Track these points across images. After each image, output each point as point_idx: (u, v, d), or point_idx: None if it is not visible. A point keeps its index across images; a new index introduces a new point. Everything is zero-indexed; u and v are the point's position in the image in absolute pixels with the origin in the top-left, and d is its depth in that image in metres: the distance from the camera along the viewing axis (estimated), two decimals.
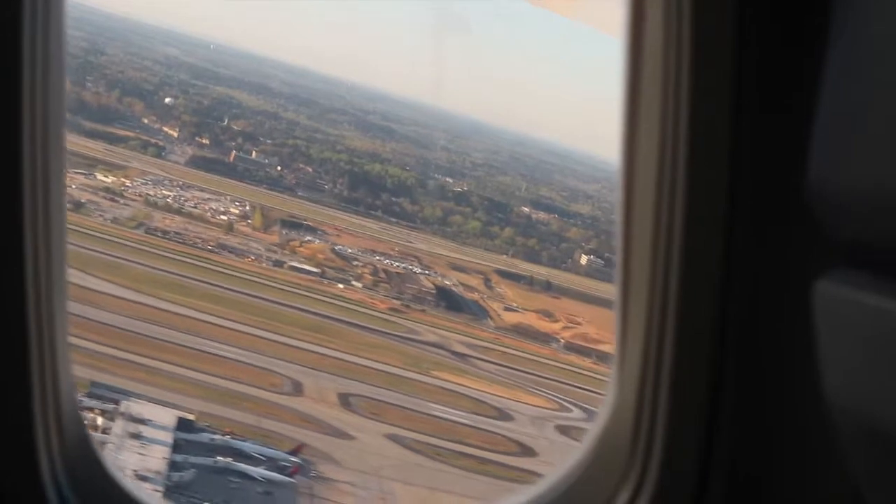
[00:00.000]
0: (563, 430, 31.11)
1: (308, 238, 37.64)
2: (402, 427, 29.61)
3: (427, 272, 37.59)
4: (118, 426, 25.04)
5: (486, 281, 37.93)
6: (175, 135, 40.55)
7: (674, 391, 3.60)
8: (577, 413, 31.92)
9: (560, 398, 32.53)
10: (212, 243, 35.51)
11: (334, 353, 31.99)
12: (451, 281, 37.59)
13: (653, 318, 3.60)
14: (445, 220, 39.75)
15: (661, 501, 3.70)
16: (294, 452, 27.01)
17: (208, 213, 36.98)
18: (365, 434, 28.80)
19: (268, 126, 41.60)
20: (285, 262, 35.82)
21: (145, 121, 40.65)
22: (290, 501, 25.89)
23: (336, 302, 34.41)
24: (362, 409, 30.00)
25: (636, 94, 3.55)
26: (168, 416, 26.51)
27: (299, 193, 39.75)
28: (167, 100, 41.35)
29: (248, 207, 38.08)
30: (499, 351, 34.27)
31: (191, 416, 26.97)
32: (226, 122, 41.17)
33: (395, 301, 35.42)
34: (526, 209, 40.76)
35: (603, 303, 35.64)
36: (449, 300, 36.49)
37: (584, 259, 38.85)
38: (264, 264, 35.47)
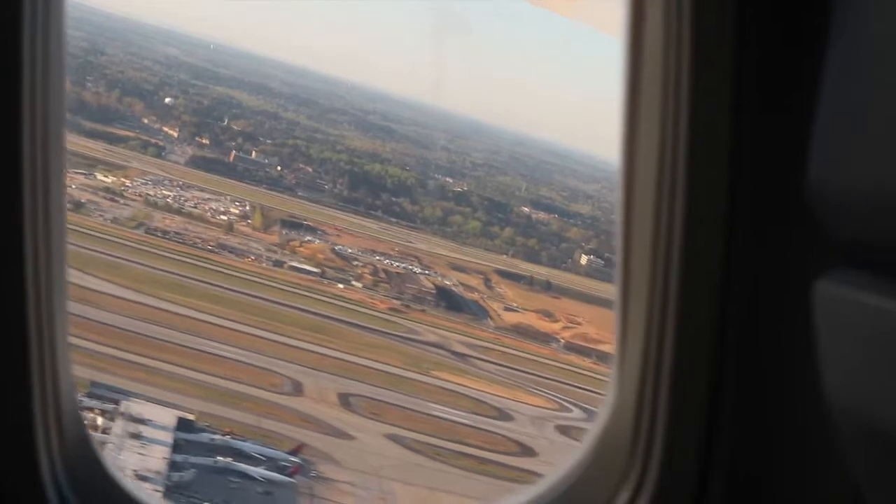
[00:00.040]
0: (563, 430, 31.10)
1: (308, 238, 37.64)
2: (402, 427, 29.60)
3: (427, 272, 37.59)
4: (118, 426, 25.04)
5: (486, 281, 37.92)
6: (175, 135, 40.54)
7: (674, 391, 3.60)
8: (576, 413, 31.91)
9: (560, 398, 32.52)
10: (212, 243, 35.51)
11: (334, 353, 31.98)
12: (451, 281, 37.59)
13: (653, 318, 3.59)
14: (445, 220, 39.74)
15: (662, 501, 3.69)
16: (294, 452, 27.01)
17: (208, 213, 36.97)
18: (365, 434, 28.79)
19: (268, 126, 41.60)
20: (285, 262, 35.81)
21: (145, 121, 40.65)
22: (290, 501, 25.89)
23: (336, 302, 34.41)
24: (362, 409, 30.00)
25: (636, 94, 3.55)
26: (168, 416, 26.51)
27: (299, 193, 39.74)
28: (167, 100, 41.35)
29: (248, 207, 38.07)
30: (499, 351, 34.26)
31: (191, 416, 26.97)
32: (226, 122, 41.16)
33: (395, 301, 35.42)
34: (526, 209, 40.76)
35: (603, 303, 35.63)
36: (449, 300, 36.48)
37: (584, 259, 38.84)
38: (264, 264, 35.47)
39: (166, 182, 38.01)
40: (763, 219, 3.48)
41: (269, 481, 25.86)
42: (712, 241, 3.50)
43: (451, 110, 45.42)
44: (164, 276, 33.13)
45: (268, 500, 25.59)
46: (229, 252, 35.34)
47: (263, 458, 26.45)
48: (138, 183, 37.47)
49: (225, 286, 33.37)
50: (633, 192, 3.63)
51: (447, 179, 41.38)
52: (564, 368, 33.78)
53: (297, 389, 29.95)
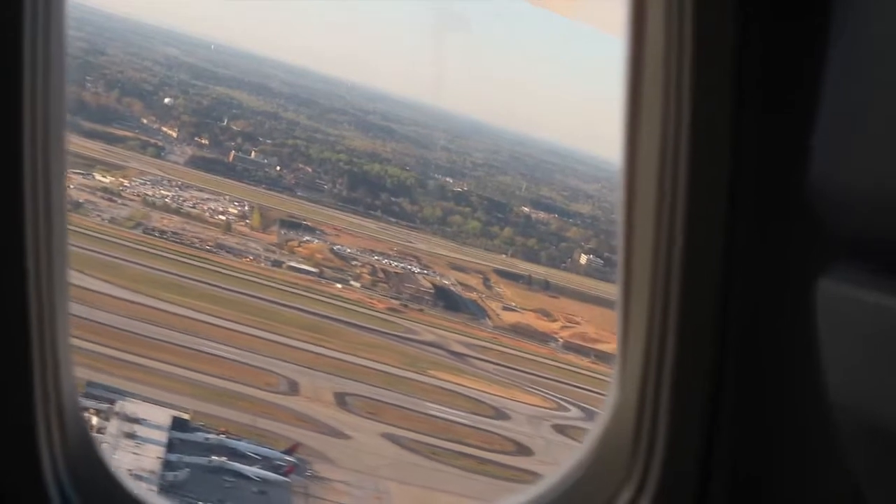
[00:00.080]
0: (560, 429, 31.10)
1: (307, 238, 37.66)
2: (399, 426, 29.61)
3: (426, 272, 37.59)
4: (113, 426, 25.06)
5: (485, 280, 37.93)
6: (174, 135, 40.60)
7: (675, 390, 3.60)
8: (574, 412, 31.91)
9: (558, 397, 32.51)
10: (210, 243, 35.53)
11: (331, 353, 32.01)
12: (449, 280, 37.59)
13: (654, 317, 3.60)
14: (445, 219, 39.75)
15: (663, 500, 3.69)
16: (289, 451, 27.03)
17: (206, 213, 37.00)
18: (361, 433, 28.80)
19: (267, 126, 41.64)
20: (283, 262, 35.83)
21: (144, 121, 40.69)
22: (284, 500, 25.88)
23: (334, 302, 34.43)
24: (359, 409, 30.01)
25: (637, 93, 3.56)
26: (163, 416, 26.53)
27: (298, 193, 39.78)
28: (166, 100, 41.41)
29: (246, 207, 38.08)
30: (497, 350, 34.27)
31: (186, 416, 26.98)
32: (225, 123, 41.21)
33: (393, 301, 35.43)
34: (526, 209, 40.75)
35: (602, 302, 35.64)
36: (447, 300, 36.49)
37: (583, 258, 38.83)
38: (262, 264, 35.48)
39: (165, 182, 38.04)
40: (764, 217, 3.47)
41: (264, 480, 25.88)
42: (713, 239, 3.51)
43: (451, 110, 45.46)
44: (162, 276, 33.18)
45: (262, 499, 25.59)
46: (227, 252, 35.36)
47: (258, 458, 26.47)
48: (137, 183, 37.51)
49: (223, 286, 33.42)
50: (635, 190, 3.63)
51: (447, 179, 41.40)
52: (562, 368, 33.77)
53: (294, 389, 29.98)
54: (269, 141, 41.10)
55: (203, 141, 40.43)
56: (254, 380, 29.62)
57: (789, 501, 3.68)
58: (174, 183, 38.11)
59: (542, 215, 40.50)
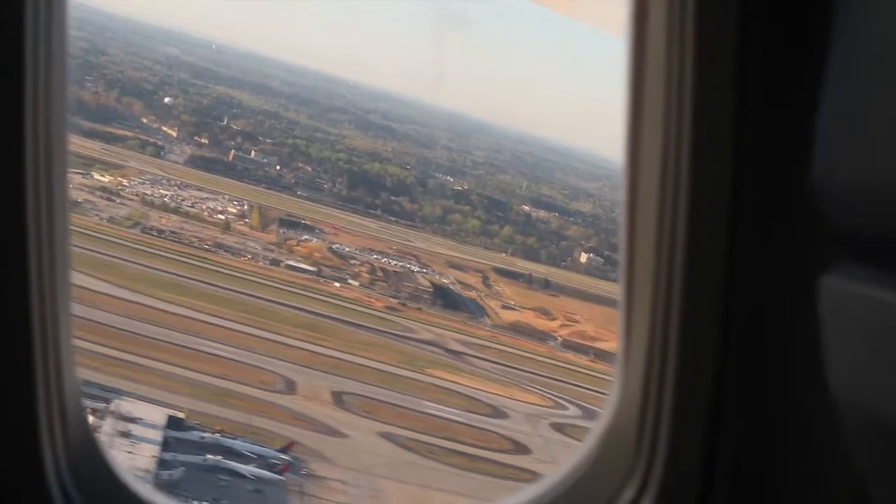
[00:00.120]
0: (558, 427, 31.09)
1: (305, 237, 37.69)
2: (396, 425, 29.59)
3: (425, 270, 37.61)
4: (108, 424, 25.08)
5: (485, 279, 37.94)
6: (174, 134, 40.66)
7: (678, 388, 3.60)
8: (572, 410, 31.91)
9: (556, 396, 32.49)
10: (209, 242, 35.57)
11: (329, 352, 32.01)
12: (448, 279, 37.60)
13: (657, 315, 3.60)
14: (445, 218, 39.77)
15: (666, 498, 3.69)
16: (284, 450, 27.04)
17: (205, 213, 37.03)
18: (357, 432, 28.79)
19: (267, 125, 41.69)
20: (282, 261, 35.86)
21: (144, 120, 40.77)
22: (279, 499, 25.90)
23: (332, 300, 34.44)
24: (355, 407, 30.01)
25: (639, 91, 3.57)
26: (159, 415, 26.56)
27: (298, 192, 39.82)
28: (166, 99, 41.48)
29: (245, 206, 38.12)
30: (495, 349, 34.27)
31: (181, 415, 27.01)
32: (225, 122, 41.27)
33: (391, 299, 35.45)
34: (526, 207, 40.77)
35: (601, 300, 35.66)
36: (446, 298, 36.51)
37: (583, 257, 38.83)
38: (261, 263, 35.51)
39: (164, 181, 38.09)
40: (767, 215, 3.49)
41: (259, 479, 25.89)
42: (716, 237, 3.51)
43: (452, 109, 45.49)
44: (160, 275, 33.23)
45: (257, 498, 25.61)
46: (226, 251, 35.40)
47: (254, 456, 26.48)
48: (136, 182, 37.55)
49: (221, 285, 33.45)
50: (637, 189, 3.64)
51: (447, 178, 41.42)
52: (561, 366, 33.76)
53: (290, 388, 29.99)
54: (268, 140, 41.15)
55: (203, 140, 40.50)
56: (250, 379, 29.64)
57: (793, 499, 3.68)
58: (173, 182, 38.16)
59: (542, 214, 40.53)
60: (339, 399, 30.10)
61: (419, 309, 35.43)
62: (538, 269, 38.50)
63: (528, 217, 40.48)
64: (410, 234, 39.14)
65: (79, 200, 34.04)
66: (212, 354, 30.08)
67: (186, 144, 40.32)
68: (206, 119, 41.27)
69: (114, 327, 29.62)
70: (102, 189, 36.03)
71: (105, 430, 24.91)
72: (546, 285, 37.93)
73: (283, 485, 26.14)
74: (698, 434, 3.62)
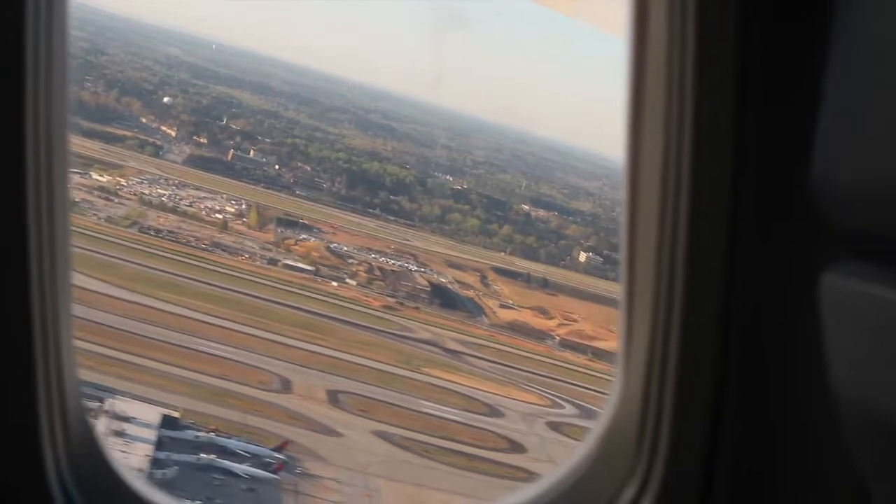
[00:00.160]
0: (555, 426, 31.06)
1: (303, 236, 37.70)
2: (391, 424, 29.58)
3: (423, 270, 37.61)
4: (102, 424, 25.08)
5: (483, 278, 37.93)
6: (173, 134, 40.71)
7: (679, 387, 3.60)
8: (569, 409, 31.89)
9: (552, 395, 32.48)
10: (206, 242, 35.60)
11: (325, 351, 32.02)
12: (446, 278, 37.59)
13: (658, 315, 3.60)
14: (444, 217, 39.78)
15: (667, 497, 3.69)
16: (279, 449, 27.04)
17: (203, 212, 37.05)
18: (353, 431, 28.78)
19: (267, 125, 41.72)
20: (279, 261, 35.87)
21: (143, 120, 40.81)
22: (274, 498, 25.90)
23: (329, 300, 34.45)
24: (351, 406, 29.99)
25: (640, 92, 3.57)
26: (154, 414, 26.56)
27: (297, 192, 39.84)
28: (165, 99, 41.53)
29: (244, 206, 38.14)
30: (493, 348, 34.26)
31: (175, 414, 27.02)
32: (224, 122, 41.31)
33: (389, 298, 35.45)
34: (525, 207, 40.76)
35: (600, 300, 35.64)
36: (444, 297, 36.50)
37: (582, 256, 38.82)
38: (258, 262, 35.53)
39: (162, 181, 38.13)
40: (767, 214, 3.49)
41: (253, 478, 25.89)
42: (716, 236, 3.52)
43: (452, 108, 45.54)
44: (158, 274, 33.24)
45: (251, 497, 25.60)
46: (223, 251, 35.43)
47: (248, 455, 26.48)
48: (134, 182, 37.59)
49: (218, 284, 33.45)
50: (638, 188, 3.64)
51: (447, 177, 41.42)
52: (558, 365, 33.75)
53: (286, 387, 29.99)
54: (268, 140, 41.20)
55: (202, 140, 40.54)
56: (247, 378, 29.64)
57: (793, 498, 3.67)
58: (171, 182, 38.19)
59: (541, 213, 40.52)
60: (334, 398, 30.09)
61: (417, 308, 35.43)
62: (537, 269, 38.48)
63: (527, 216, 40.49)
64: (409, 234, 39.17)
65: (77, 200, 34.07)
66: (209, 354, 30.08)
67: (185, 144, 40.39)
68: (206, 119, 41.33)
69: (110, 327, 29.62)
70: (100, 189, 36.06)
71: (99, 429, 24.92)
72: (544, 284, 37.92)
73: (277, 484, 26.14)
74: (698, 434, 3.63)
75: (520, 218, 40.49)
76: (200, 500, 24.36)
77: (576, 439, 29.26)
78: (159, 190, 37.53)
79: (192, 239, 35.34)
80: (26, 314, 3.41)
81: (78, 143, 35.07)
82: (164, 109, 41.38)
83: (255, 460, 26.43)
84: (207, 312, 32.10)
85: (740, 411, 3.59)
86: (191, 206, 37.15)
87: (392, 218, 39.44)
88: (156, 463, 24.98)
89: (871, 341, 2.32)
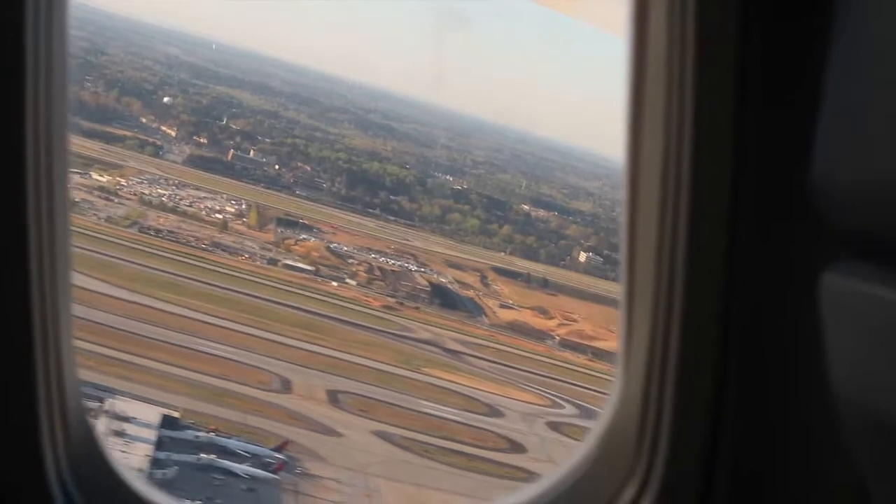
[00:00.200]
0: (554, 426, 31.05)
1: (303, 236, 37.69)
2: (391, 424, 29.56)
3: (423, 270, 37.61)
4: (102, 424, 25.07)
5: (483, 278, 37.93)
6: (173, 134, 40.71)
7: (679, 387, 3.60)
8: (568, 409, 31.89)
9: (552, 395, 32.47)
10: (206, 242, 35.59)
11: (325, 351, 32.01)
12: (446, 278, 37.59)
13: (658, 315, 3.59)
14: (444, 217, 39.78)
15: (667, 497, 3.69)
16: (279, 449, 27.04)
17: (203, 212, 37.04)
18: (352, 431, 28.78)
19: (267, 125, 41.72)
20: (279, 260, 35.86)
21: (143, 120, 40.80)
22: (273, 498, 25.89)
23: (329, 300, 34.44)
24: (351, 407, 29.97)
25: (640, 92, 3.57)
26: (154, 414, 26.55)
27: (297, 192, 39.84)
28: (165, 99, 41.52)
29: (244, 206, 38.14)
30: (493, 348, 34.26)
31: (176, 414, 27.01)
32: (224, 122, 41.30)
33: (389, 298, 35.44)
34: (525, 207, 40.76)
35: (600, 299, 35.64)
36: (444, 297, 36.50)
37: (582, 256, 38.82)
38: (258, 262, 35.52)
39: (162, 181, 38.13)
40: (767, 214, 3.49)
41: (253, 478, 25.89)
42: (716, 237, 3.51)
43: (453, 108, 45.55)
44: (157, 274, 33.23)
45: (251, 497, 25.59)
46: (223, 250, 35.42)
47: (248, 455, 26.47)
48: (134, 182, 37.58)
49: (218, 284, 33.44)
50: (638, 188, 3.63)
51: (447, 177, 41.42)
52: (558, 365, 33.74)
53: (286, 387, 29.98)
54: (267, 140, 41.20)
55: (202, 140, 40.54)
56: (247, 378, 29.63)
57: (793, 498, 3.67)
58: (171, 182, 38.19)
59: (541, 213, 40.52)
60: (334, 398, 30.08)
61: (417, 308, 35.43)
62: (537, 269, 38.48)
63: (527, 216, 40.48)
64: (409, 234, 39.17)
65: (76, 200, 34.05)
66: (209, 354, 30.07)
67: (185, 144, 40.39)
68: (206, 119, 41.34)
69: (110, 326, 29.61)
70: (100, 189, 36.05)
71: (99, 429, 24.91)
72: (544, 284, 37.92)
73: (277, 484, 26.14)
74: (699, 434, 3.62)
75: (520, 218, 40.51)
76: (200, 500, 24.34)
77: (575, 439, 29.27)
78: (159, 190, 37.52)
79: (192, 239, 35.33)
80: (26, 314, 3.40)
81: (78, 143, 35.07)
82: (164, 109, 41.39)
83: (255, 460, 26.42)
84: (207, 312, 32.09)
85: (740, 411, 3.58)
86: (191, 206, 37.15)
87: (392, 218, 39.44)
88: (156, 463, 24.97)
89: (871, 341, 2.32)
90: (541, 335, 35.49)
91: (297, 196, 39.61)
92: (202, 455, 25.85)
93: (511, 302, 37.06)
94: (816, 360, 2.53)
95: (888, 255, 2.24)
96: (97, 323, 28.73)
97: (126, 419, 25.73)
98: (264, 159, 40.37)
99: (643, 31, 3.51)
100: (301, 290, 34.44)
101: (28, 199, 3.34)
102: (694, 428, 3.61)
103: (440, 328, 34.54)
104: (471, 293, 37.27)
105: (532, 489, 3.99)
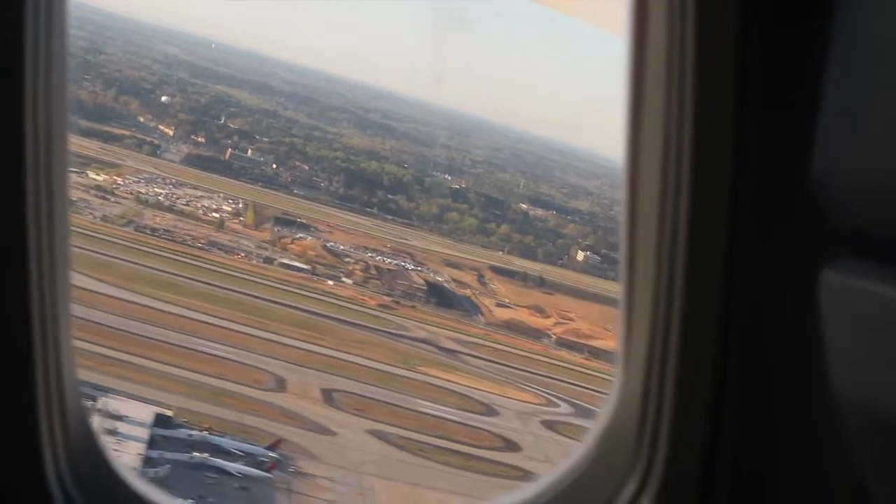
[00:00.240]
0: (550, 425, 31.05)
1: (300, 235, 37.70)
2: (386, 423, 29.57)
3: (420, 269, 37.61)
4: (94, 423, 25.06)
5: (480, 277, 37.94)
6: (171, 133, 40.74)
7: (679, 386, 3.60)
8: (564, 408, 31.89)
9: (548, 393, 32.47)
10: (202, 241, 35.60)
11: (321, 350, 32.02)
12: (443, 277, 37.59)
13: (657, 314, 3.60)
14: (442, 216, 39.79)
15: (666, 496, 3.69)
16: (272, 448, 27.03)
17: (200, 211, 37.06)
18: (347, 430, 28.77)
19: (265, 124, 41.75)
20: (276, 259, 35.87)
21: (141, 119, 40.84)
22: (266, 496, 25.89)
23: (326, 299, 34.45)
24: (346, 405, 29.97)
25: (640, 91, 3.58)
26: (148, 413, 26.55)
27: (294, 191, 39.86)
28: (164, 98, 41.55)
29: (240, 205, 38.15)
30: (489, 347, 34.26)
31: (169, 412, 27.01)
32: (222, 121, 41.32)
33: (385, 297, 35.44)
34: (524, 206, 40.75)
35: (597, 299, 35.62)
36: (440, 296, 36.51)
37: (580, 255, 38.80)
38: (254, 261, 35.53)
39: (159, 180, 38.15)
40: (767, 214, 3.50)
41: (246, 476, 25.88)
42: (716, 236, 3.52)
43: (453, 108, 45.58)
44: (153, 273, 33.24)
45: (244, 496, 25.59)
46: (219, 249, 35.44)
47: (241, 454, 26.46)
48: (131, 181, 37.61)
49: (214, 283, 33.44)
50: (638, 188, 3.64)
51: (445, 176, 41.43)
52: (554, 364, 33.74)
53: (281, 386, 29.98)
54: (265, 139, 41.22)
55: (200, 139, 40.57)
56: (242, 377, 29.65)
57: (793, 498, 3.67)
58: (168, 181, 38.21)
59: (539, 212, 40.52)
60: (329, 397, 30.08)
61: (413, 307, 35.43)
62: (535, 268, 38.47)
63: (525, 215, 40.48)
64: (406, 233, 39.17)
65: (73, 199, 34.02)
66: (205, 353, 30.08)
67: (183, 143, 40.43)
68: (204, 118, 41.38)
69: (107, 326, 29.62)
70: (97, 188, 36.07)
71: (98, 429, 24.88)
72: (541, 283, 37.91)
73: (270, 482, 26.14)
74: (698, 433, 3.62)
75: (518, 217, 40.51)
76: (193, 499, 24.34)
77: (571, 438, 29.30)
78: (156, 189, 37.55)
79: (188, 238, 35.34)
80: (26, 314, 3.41)
81: (75, 142, 35.09)
82: (162, 108, 41.44)
83: (249, 459, 26.42)
84: (204, 312, 32.10)
85: (740, 411, 3.59)
86: (188, 205, 37.16)
87: (389, 217, 39.48)
88: (148, 461, 24.95)
89: (871, 340, 2.32)
90: (537, 334, 35.51)
91: (295, 195, 39.61)
92: (195, 453, 25.85)
93: (508, 301, 37.07)
94: (816, 360, 2.52)
95: (888, 254, 2.23)
96: (94, 322, 28.74)
97: (118, 417, 25.73)
98: (262, 158, 40.41)
99: (643, 31, 3.51)
100: (298, 289, 34.44)
101: (27, 199, 3.34)
102: (694, 427, 3.61)
103: (436, 327, 34.57)
104: (467, 292, 37.29)
105: (531, 488, 3.99)
